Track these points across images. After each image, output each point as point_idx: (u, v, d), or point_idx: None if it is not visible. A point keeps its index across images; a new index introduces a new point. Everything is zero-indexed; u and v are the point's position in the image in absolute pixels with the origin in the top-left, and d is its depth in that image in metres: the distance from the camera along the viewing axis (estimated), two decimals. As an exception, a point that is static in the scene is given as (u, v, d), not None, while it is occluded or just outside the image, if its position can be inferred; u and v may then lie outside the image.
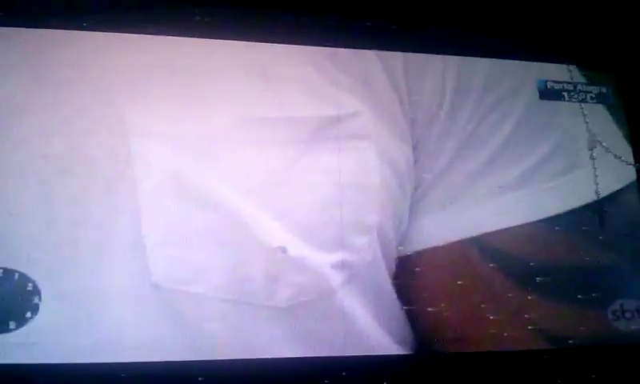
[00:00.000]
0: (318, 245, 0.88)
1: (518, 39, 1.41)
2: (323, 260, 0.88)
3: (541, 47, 1.44)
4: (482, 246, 1.08)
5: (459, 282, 1.06)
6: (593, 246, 1.28)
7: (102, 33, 1.06)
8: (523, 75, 1.28)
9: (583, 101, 1.43)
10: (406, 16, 1.28)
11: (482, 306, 1.08)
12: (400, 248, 1.00)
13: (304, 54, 1.01)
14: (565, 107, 1.42)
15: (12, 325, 1.27)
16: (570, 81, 1.45)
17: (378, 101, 0.94)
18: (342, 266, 0.90)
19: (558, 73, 1.45)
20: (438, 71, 1.10)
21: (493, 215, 1.06)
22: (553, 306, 1.16)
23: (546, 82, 1.42)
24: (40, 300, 1.28)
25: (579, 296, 1.24)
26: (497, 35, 1.37)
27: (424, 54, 1.12)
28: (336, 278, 0.89)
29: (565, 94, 1.43)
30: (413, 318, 1.00)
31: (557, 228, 1.22)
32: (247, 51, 1.01)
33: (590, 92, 1.45)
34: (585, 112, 1.39)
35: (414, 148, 1.01)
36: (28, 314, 1.29)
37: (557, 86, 1.43)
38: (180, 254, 0.88)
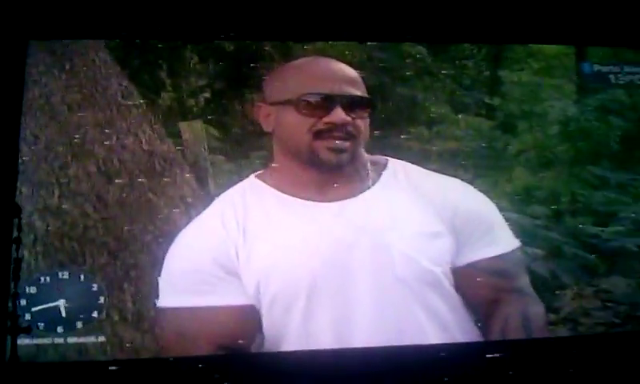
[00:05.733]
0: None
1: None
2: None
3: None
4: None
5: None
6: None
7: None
8: None
9: (631, 82, 1.41)
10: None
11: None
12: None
13: None
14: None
15: (78, 324, 1.34)
16: (617, 63, 1.43)
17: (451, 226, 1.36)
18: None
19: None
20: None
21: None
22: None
23: (592, 64, 1.40)
24: (105, 299, 1.35)
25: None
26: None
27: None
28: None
29: (612, 76, 1.41)
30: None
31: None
32: None
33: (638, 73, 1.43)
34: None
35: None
36: (94, 314, 1.36)
37: (604, 69, 1.41)
38: None
